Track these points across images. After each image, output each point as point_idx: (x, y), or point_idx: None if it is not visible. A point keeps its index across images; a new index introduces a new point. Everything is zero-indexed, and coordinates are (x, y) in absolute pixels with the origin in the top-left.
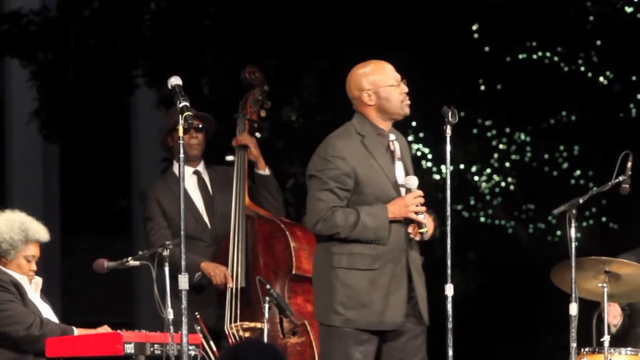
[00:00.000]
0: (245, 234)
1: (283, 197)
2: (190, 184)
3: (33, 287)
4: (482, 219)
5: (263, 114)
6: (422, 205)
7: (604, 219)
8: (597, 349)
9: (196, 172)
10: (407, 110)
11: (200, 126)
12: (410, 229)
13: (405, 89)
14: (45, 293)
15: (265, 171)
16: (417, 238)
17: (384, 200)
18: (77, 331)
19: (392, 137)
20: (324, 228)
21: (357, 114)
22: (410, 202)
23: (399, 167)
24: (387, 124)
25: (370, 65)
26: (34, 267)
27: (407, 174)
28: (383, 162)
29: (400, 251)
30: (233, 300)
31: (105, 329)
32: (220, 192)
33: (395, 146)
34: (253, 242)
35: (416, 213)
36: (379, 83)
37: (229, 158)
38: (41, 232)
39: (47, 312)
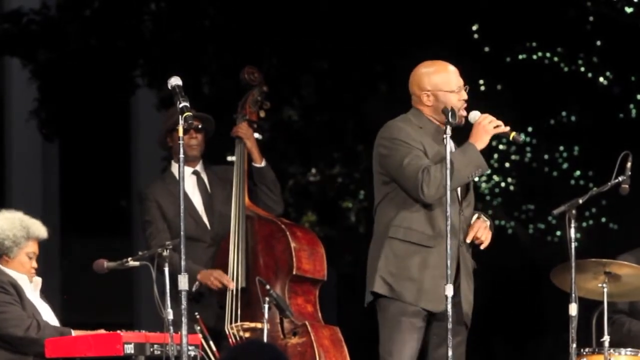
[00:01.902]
0: (245, 234)
1: (283, 198)
2: (190, 185)
3: (32, 286)
4: None
5: (262, 114)
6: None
7: (603, 219)
8: (597, 349)
9: (195, 172)
10: (461, 120)
11: (200, 126)
12: (469, 238)
13: (465, 97)
14: (45, 293)
15: (261, 164)
16: (478, 243)
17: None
18: (75, 334)
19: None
20: (427, 185)
21: (413, 109)
22: (484, 123)
23: None
24: (441, 125)
25: (435, 65)
26: (35, 264)
27: None
28: (443, 153)
29: (454, 239)
30: (233, 301)
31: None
32: (219, 191)
33: (451, 144)
34: (253, 242)
35: (495, 128)
36: (440, 86)
37: (230, 158)
38: (41, 229)
39: (47, 312)
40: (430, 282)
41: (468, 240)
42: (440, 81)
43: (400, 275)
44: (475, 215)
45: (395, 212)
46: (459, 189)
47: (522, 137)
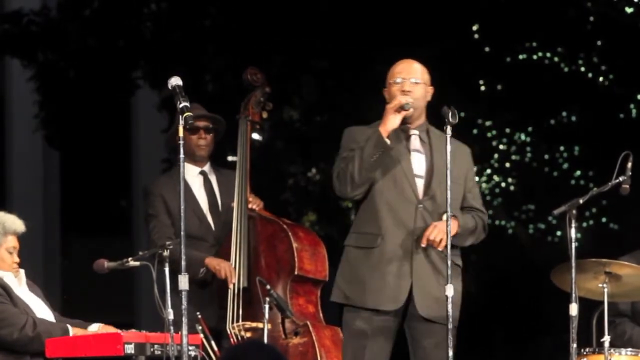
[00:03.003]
0: (247, 235)
1: (283, 197)
2: (196, 184)
3: (17, 281)
4: None
5: (265, 115)
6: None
7: (604, 219)
8: (597, 349)
9: (202, 173)
10: (390, 106)
11: (211, 126)
12: (424, 242)
13: (406, 87)
14: (46, 293)
15: None
16: (435, 246)
17: (398, 185)
18: (71, 328)
19: (414, 131)
20: (341, 183)
21: None
22: (390, 105)
23: (415, 158)
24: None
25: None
26: (16, 259)
27: (432, 167)
28: (397, 149)
29: (406, 234)
30: (235, 300)
31: (107, 328)
32: (225, 194)
33: (415, 140)
34: (255, 242)
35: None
36: (387, 80)
37: (231, 158)
38: (17, 223)
39: (38, 305)
40: (381, 282)
41: (423, 245)
42: (388, 76)
43: (353, 281)
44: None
45: (355, 219)
46: (418, 183)
47: (409, 107)
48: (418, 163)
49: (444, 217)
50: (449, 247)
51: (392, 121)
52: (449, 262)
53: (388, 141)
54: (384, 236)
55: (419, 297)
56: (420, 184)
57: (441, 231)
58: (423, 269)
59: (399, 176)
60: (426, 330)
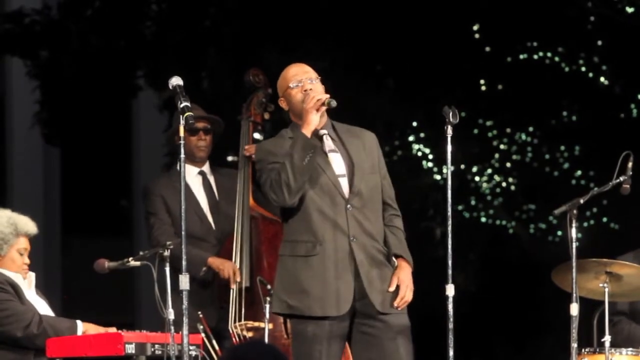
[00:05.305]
0: (249, 235)
1: None
2: (195, 184)
3: (27, 283)
4: (483, 219)
5: (267, 116)
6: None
7: (604, 219)
8: (597, 349)
9: (201, 173)
10: (309, 105)
11: (209, 127)
12: (399, 304)
13: (307, 87)
14: (46, 293)
15: None
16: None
17: (324, 190)
18: (80, 324)
19: (323, 131)
20: (277, 193)
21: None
22: (304, 105)
23: (334, 159)
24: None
25: (281, 73)
26: (27, 260)
27: (351, 164)
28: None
29: (342, 237)
30: (237, 300)
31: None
32: (225, 194)
33: (327, 140)
34: (257, 242)
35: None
36: (283, 88)
37: (230, 158)
38: (29, 225)
39: (44, 308)
40: (325, 289)
41: (400, 308)
42: (282, 84)
43: (295, 290)
44: (395, 262)
45: (285, 228)
46: (341, 183)
47: (334, 102)
48: (337, 163)
49: (393, 261)
50: (450, 247)
51: (314, 120)
52: (450, 262)
53: (315, 141)
54: (322, 242)
55: (374, 294)
56: (344, 182)
57: (410, 289)
58: (368, 267)
59: (324, 180)
60: (384, 327)
